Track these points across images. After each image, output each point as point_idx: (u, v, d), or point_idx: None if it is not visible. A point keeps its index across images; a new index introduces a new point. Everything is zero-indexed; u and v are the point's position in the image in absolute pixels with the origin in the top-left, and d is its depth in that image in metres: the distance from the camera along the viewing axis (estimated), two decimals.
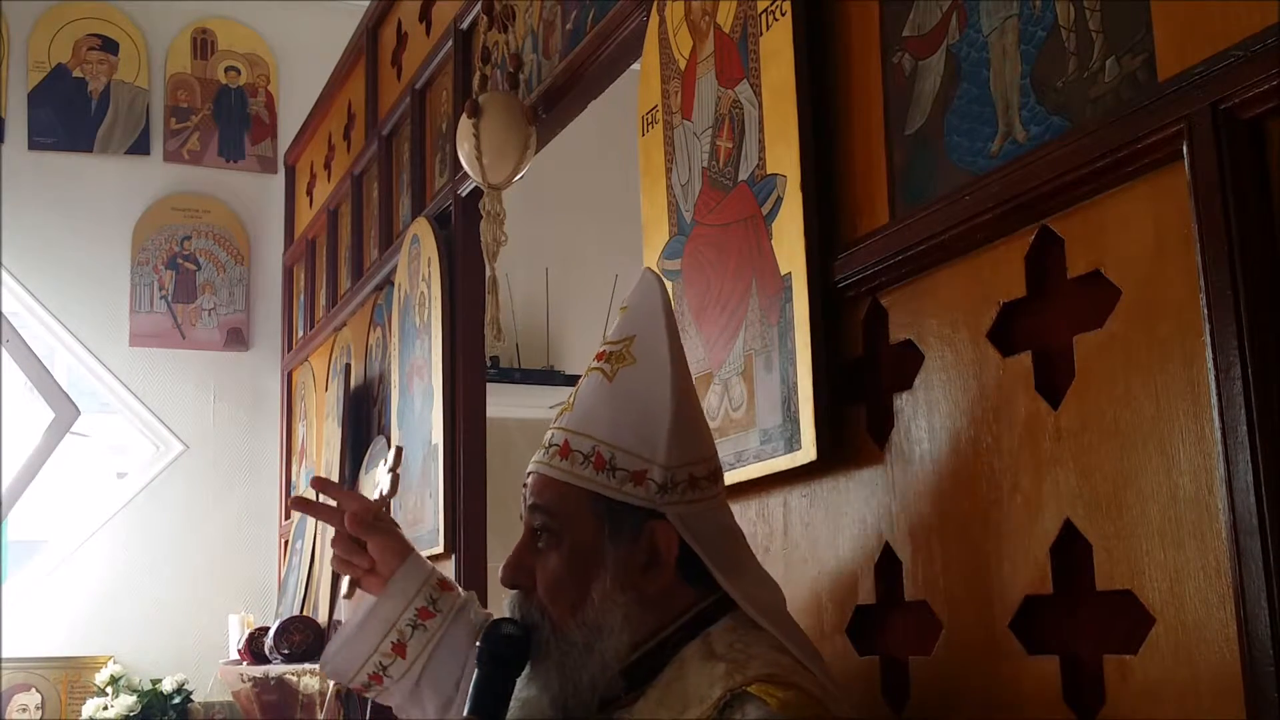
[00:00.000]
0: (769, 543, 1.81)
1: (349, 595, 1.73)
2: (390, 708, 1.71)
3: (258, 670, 4.10)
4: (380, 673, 1.63)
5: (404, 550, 1.68)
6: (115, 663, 4.98)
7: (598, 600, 1.36)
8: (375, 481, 1.99)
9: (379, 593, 1.66)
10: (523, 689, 1.40)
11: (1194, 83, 1.18)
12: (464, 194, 3.26)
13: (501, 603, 1.54)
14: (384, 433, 3.79)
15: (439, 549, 3.15)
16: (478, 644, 1.43)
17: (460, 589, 1.71)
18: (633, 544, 1.37)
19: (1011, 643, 1.38)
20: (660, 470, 1.37)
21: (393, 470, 1.91)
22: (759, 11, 1.83)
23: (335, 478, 4.05)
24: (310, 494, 1.83)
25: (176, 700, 4.89)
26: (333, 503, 1.69)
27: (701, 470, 1.41)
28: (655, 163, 2.12)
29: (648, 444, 1.38)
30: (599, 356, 1.45)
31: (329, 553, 1.75)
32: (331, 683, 3.53)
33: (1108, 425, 1.28)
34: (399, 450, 2.08)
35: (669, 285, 2.04)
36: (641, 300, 1.47)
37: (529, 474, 1.44)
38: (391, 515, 1.75)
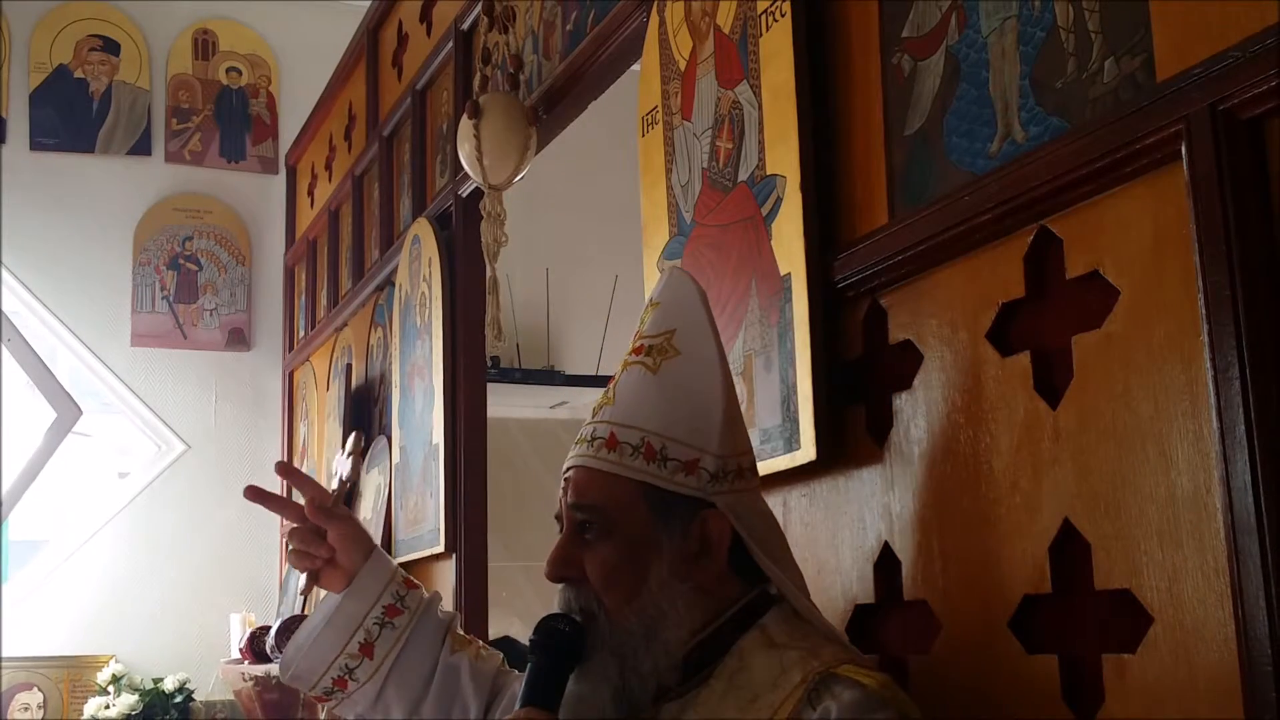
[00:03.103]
0: None
1: (306, 591, 1.62)
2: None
3: (259, 669, 4.10)
4: (346, 676, 1.56)
5: (366, 542, 1.59)
6: (117, 662, 4.98)
7: (655, 588, 1.34)
8: (335, 470, 1.89)
9: (340, 589, 1.58)
10: (574, 684, 1.36)
11: (1193, 83, 1.18)
12: (464, 195, 3.26)
13: (502, 600, 1.53)
14: (385, 433, 3.79)
15: (439, 549, 3.15)
16: (531, 637, 1.38)
17: (423, 587, 1.65)
18: (685, 533, 1.36)
19: (1011, 642, 1.38)
20: (713, 460, 1.37)
21: (353, 455, 1.82)
22: (759, 12, 1.83)
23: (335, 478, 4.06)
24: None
25: (178, 699, 4.89)
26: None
27: (746, 461, 1.42)
28: (655, 163, 2.12)
29: (700, 434, 1.38)
30: (637, 351, 1.44)
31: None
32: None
33: (1106, 425, 1.28)
34: (359, 434, 1.99)
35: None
36: (676, 295, 1.47)
37: (569, 468, 1.42)
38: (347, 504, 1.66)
